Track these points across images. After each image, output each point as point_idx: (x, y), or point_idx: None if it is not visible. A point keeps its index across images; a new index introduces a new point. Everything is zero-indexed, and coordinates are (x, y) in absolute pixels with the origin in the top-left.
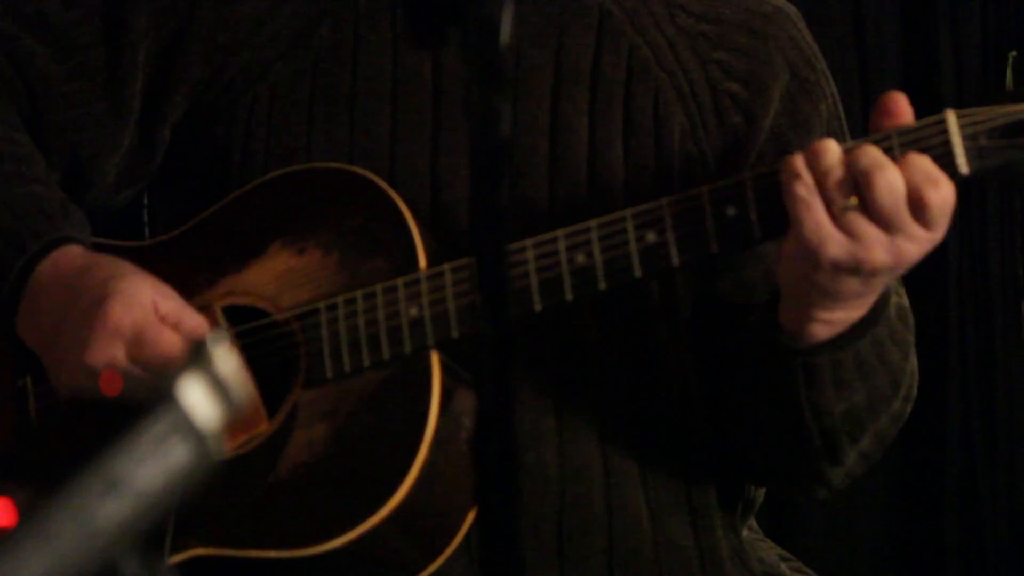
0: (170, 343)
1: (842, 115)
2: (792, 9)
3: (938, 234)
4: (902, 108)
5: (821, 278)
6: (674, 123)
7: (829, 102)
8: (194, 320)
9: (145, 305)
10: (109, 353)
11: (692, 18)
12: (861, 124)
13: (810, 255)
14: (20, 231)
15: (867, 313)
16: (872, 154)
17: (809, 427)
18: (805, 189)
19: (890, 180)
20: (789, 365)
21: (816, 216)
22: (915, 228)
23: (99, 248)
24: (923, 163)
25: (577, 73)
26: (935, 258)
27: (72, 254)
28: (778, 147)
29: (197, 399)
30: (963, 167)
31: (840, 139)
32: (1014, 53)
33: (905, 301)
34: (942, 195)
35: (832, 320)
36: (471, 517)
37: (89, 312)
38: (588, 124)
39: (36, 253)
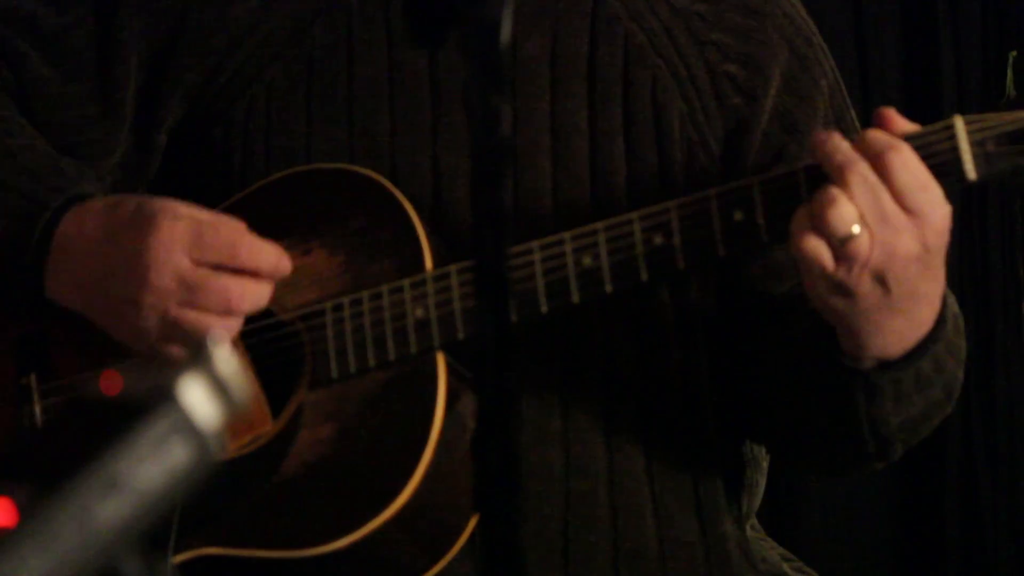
0: (229, 231)
1: (843, 88)
2: None
3: (924, 217)
4: (896, 125)
5: (837, 304)
6: (673, 110)
7: (830, 76)
8: (233, 220)
9: (190, 212)
10: (174, 264)
11: (686, 0)
12: (861, 125)
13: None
14: (40, 191)
15: (928, 332)
16: (878, 137)
17: (865, 437)
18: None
19: (906, 158)
20: (850, 384)
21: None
22: (899, 215)
23: None
24: (878, 134)
25: (574, 65)
26: None
27: (93, 204)
28: (784, 125)
29: (197, 399)
30: (971, 173)
31: (845, 112)
32: (1014, 53)
33: (957, 308)
34: (905, 163)
35: (883, 330)
36: (476, 518)
37: (137, 235)
38: (588, 117)
39: (59, 207)
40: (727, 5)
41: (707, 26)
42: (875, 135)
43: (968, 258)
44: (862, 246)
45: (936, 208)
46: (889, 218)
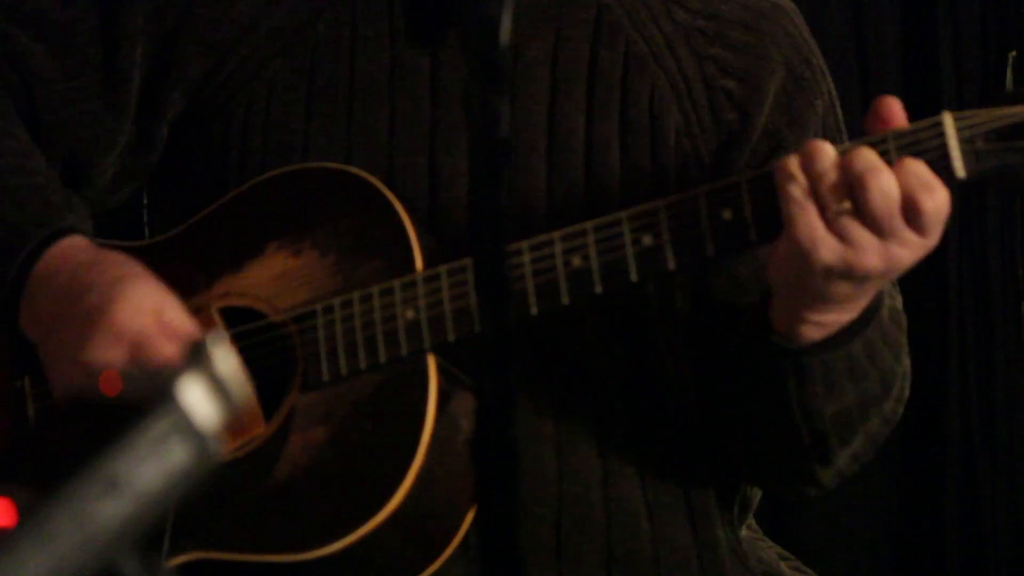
0: (170, 355)
1: (839, 112)
2: (790, 5)
3: (931, 240)
4: (896, 112)
5: (812, 281)
6: (670, 120)
7: (825, 99)
8: (194, 335)
9: (149, 313)
10: (109, 354)
11: (689, 14)
12: (861, 125)
13: (802, 258)
14: (23, 221)
15: (859, 316)
16: (867, 157)
17: (799, 428)
18: (799, 191)
19: (884, 185)
20: (780, 365)
21: (809, 219)
22: (908, 234)
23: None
24: (918, 168)
25: (575, 69)
26: (935, 258)
27: (78, 245)
28: (772, 144)
29: (197, 399)
30: (959, 170)
31: (836, 136)
32: (1014, 53)
33: (898, 303)
34: (936, 201)
35: (823, 322)
36: (469, 518)
37: (94, 311)
38: (585, 122)
39: (40, 243)
40: (729, 22)
41: (708, 41)
42: (863, 154)
43: (968, 258)
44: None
45: (905, 246)
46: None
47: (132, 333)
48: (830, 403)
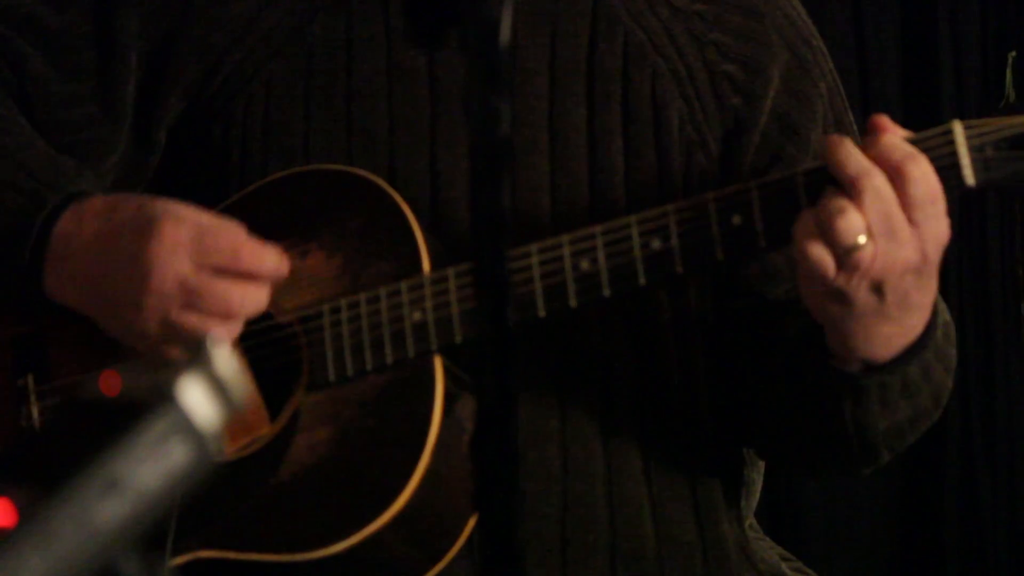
0: (231, 236)
1: (842, 91)
2: None
3: (928, 229)
4: (888, 128)
5: (833, 310)
6: (672, 109)
7: (828, 79)
8: (233, 224)
9: (192, 216)
10: (176, 267)
11: None
12: (861, 125)
13: (836, 300)
14: (39, 188)
15: (917, 339)
16: (861, 163)
17: (851, 440)
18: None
19: (878, 187)
20: (838, 386)
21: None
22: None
23: None
24: (894, 140)
25: (573, 63)
26: None
27: (93, 202)
28: (782, 126)
29: (197, 399)
30: (969, 179)
31: (843, 116)
32: (1014, 53)
33: (948, 316)
34: (924, 176)
35: (873, 336)
36: (474, 520)
37: (139, 237)
38: (587, 116)
39: (57, 206)
40: (727, 6)
41: (707, 26)
42: (892, 143)
43: (968, 258)
44: (866, 256)
45: (940, 220)
46: (896, 231)
47: (186, 237)
48: (884, 419)
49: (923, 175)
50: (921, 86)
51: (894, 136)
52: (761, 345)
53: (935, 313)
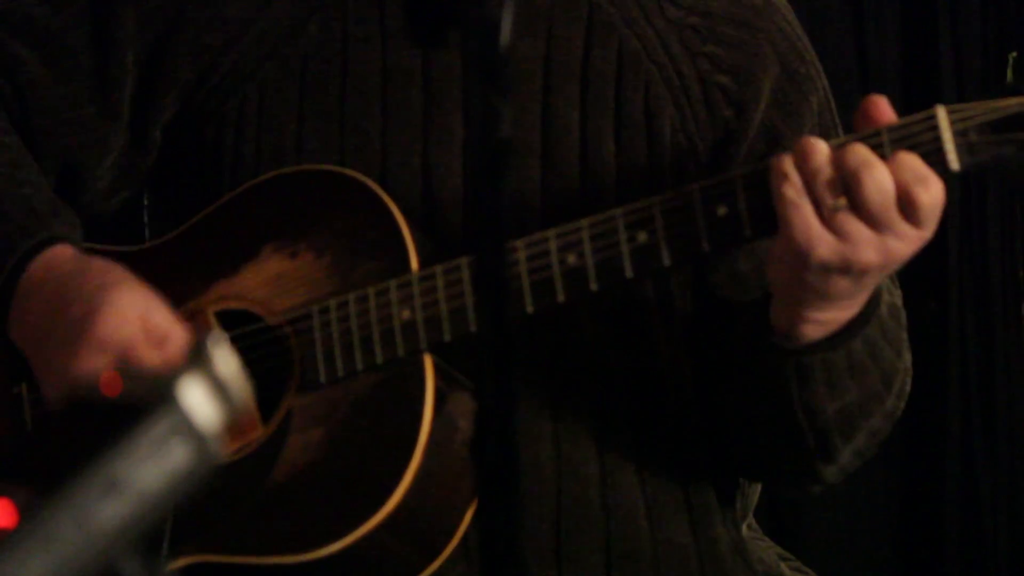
0: (157, 361)
1: (833, 107)
2: (781, 1)
3: (927, 232)
4: (885, 111)
5: (811, 278)
6: (664, 116)
7: (820, 94)
8: (182, 337)
9: (134, 321)
10: (94, 365)
11: (681, 11)
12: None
13: (800, 256)
14: (10, 232)
15: (858, 313)
16: (861, 152)
17: (802, 426)
18: (793, 190)
19: (878, 179)
20: (781, 365)
21: (805, 217)
22: (904, 227)
23: (93, 253)
24: (912, 161)
25: (567, 67)
26: (935, 258)
27: (64, 255)
28: (769, 140)
29: (197, 400)
30: (953, 163)
31: (832, 131)
32: (1014, 54)
33: (898, 299)
34: (931, 194)
35: (824, 320)
36: (468, 518)
37: (79, 321)
38: (579, 119)
39: (27, 252)
40: (721, 18)
41: (701, 38)
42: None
43: (968, 258)
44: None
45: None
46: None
47: (117, 342)
48: (832, 401)
49: (875, 183)
50: (921, 86)
51: (861, 146)
52: (717, 343)
53: (878, 291)
